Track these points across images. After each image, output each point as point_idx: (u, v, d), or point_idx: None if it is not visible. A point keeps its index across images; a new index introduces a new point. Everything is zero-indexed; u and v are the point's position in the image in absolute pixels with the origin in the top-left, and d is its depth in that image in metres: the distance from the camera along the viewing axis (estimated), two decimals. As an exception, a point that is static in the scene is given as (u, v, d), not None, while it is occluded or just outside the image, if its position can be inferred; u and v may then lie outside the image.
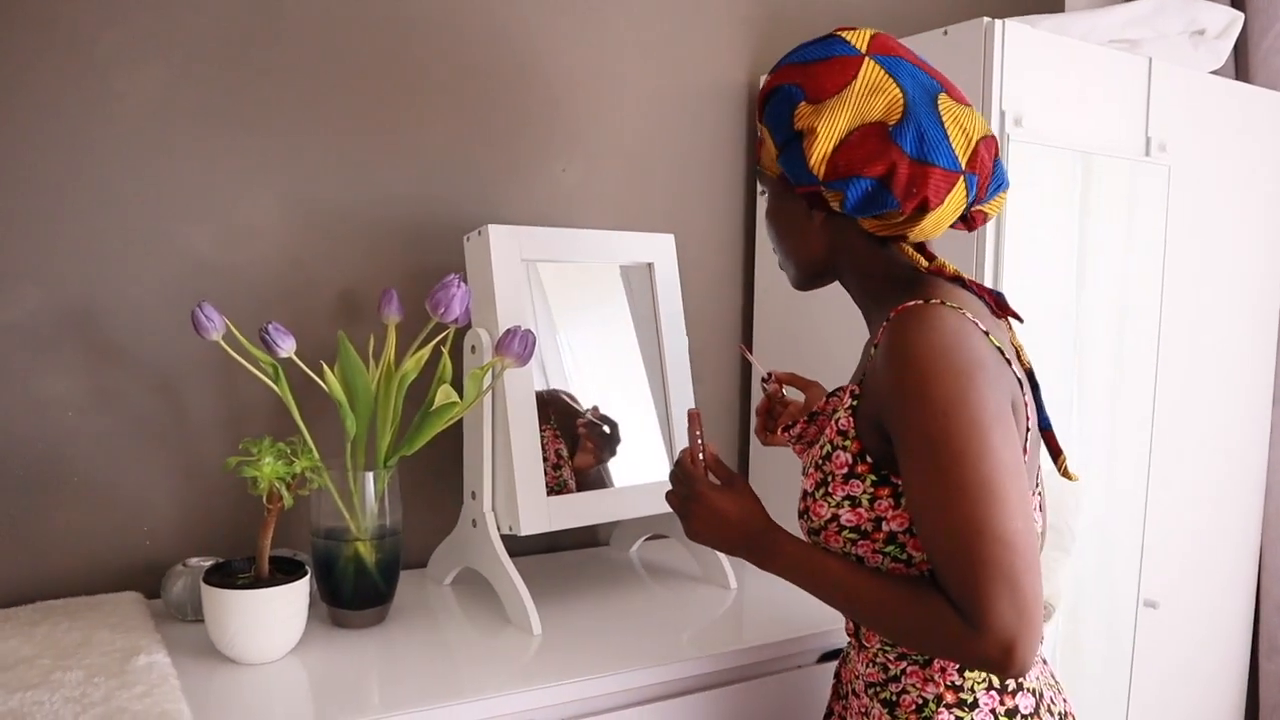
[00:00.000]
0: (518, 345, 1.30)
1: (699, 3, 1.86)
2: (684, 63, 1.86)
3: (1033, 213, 1.53)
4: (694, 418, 1.13)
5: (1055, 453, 1.04)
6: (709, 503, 1.07)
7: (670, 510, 1.13)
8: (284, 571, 1.28)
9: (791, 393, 1.41)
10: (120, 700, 1.06)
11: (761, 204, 1.91)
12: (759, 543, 1.04)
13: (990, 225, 1.48)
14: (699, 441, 1.12)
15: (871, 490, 0.98)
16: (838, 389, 1.09)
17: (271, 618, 1.22)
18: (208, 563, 1.35)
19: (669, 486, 1.12)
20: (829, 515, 1.01)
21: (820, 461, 1.02)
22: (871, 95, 0.97)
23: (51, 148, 1.37)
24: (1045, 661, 1.09)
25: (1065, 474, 1.05)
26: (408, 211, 1.63)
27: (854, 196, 0.99)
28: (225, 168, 1.49)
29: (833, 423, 1.03)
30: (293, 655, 1.26)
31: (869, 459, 0.98)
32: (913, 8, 2.07)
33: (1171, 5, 1.78)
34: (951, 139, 0.97)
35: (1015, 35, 1.48)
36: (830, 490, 1.00)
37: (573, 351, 1.56)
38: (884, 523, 0.98)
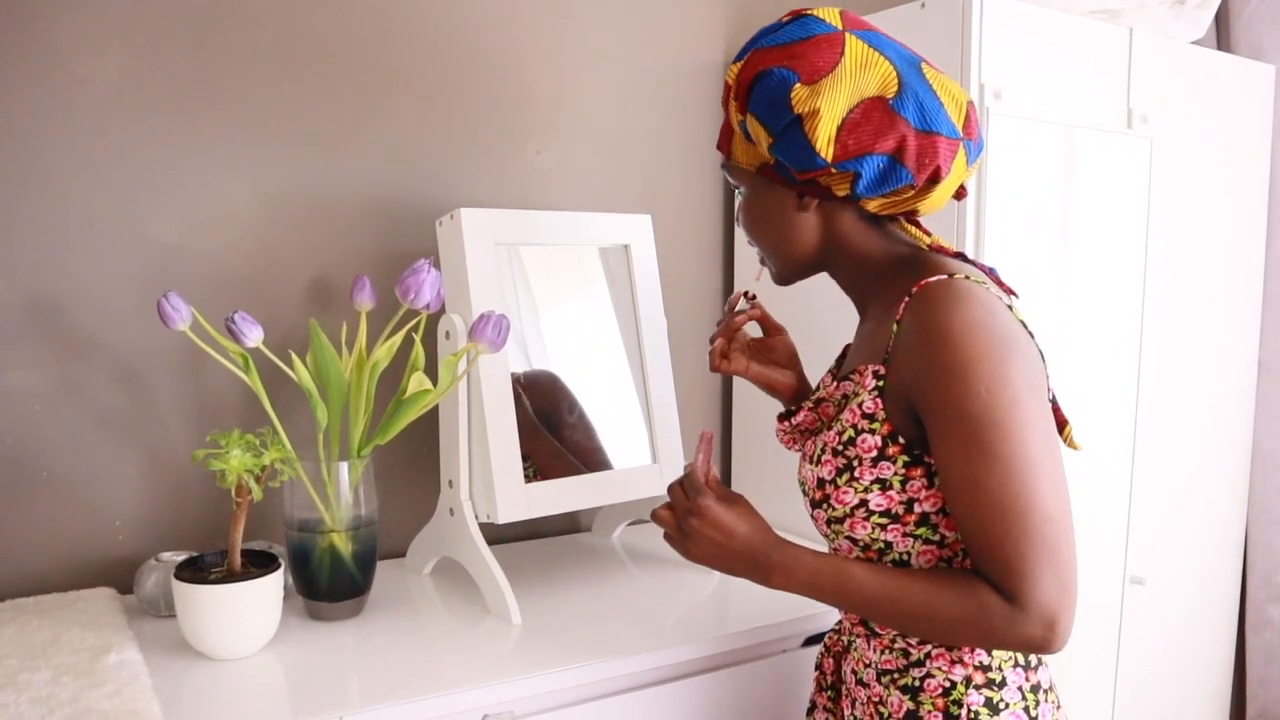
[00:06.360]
0: (491, 331, 1.27)
1: (674, -21, 1.83)
2: (657, 40, 1.83)
3: (1014, 186, 1.51)
4: (705, 439, 1.06)
5: (1061, 423, 1.03)
6: (712, 516, 0.99)
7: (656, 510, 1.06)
8: (257, 565, 1.25)
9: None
10: (89, 700, 1.03)
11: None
12: (771, 559, 0.98)
13: (971, 199, 1.46)
14: (701, 461, 1.04)
15: (903, 472, 0.95)
16: (850, 371, 1.03)
17: (245, 612, 1.19)
18: (180, 557, 1.32)
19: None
20: (856, 501, 0.98)
21: (840, 447, 0.99)
22: (863, 70, 0.95)
23: (10, 134, 1.34)
24: None
25: (1070, 443, 1.03)
26: (380, 196, 1.60)
27: (869, 175, 0.96)
28: (192, 154, 1.45)
29: (854, 407, 0.98)
30: (268, 650, 1.24)
31: (900, 440, 0.95)
32: (891, -19, 2.05)
33: (1152, -25, 1.76)
34: (946, 107, 0.96)
35: (995, 6, 1.46)
36: (856, 475, 0.97)
37: (554, 335, 1.53)
38: (916, 504, 0.96)
